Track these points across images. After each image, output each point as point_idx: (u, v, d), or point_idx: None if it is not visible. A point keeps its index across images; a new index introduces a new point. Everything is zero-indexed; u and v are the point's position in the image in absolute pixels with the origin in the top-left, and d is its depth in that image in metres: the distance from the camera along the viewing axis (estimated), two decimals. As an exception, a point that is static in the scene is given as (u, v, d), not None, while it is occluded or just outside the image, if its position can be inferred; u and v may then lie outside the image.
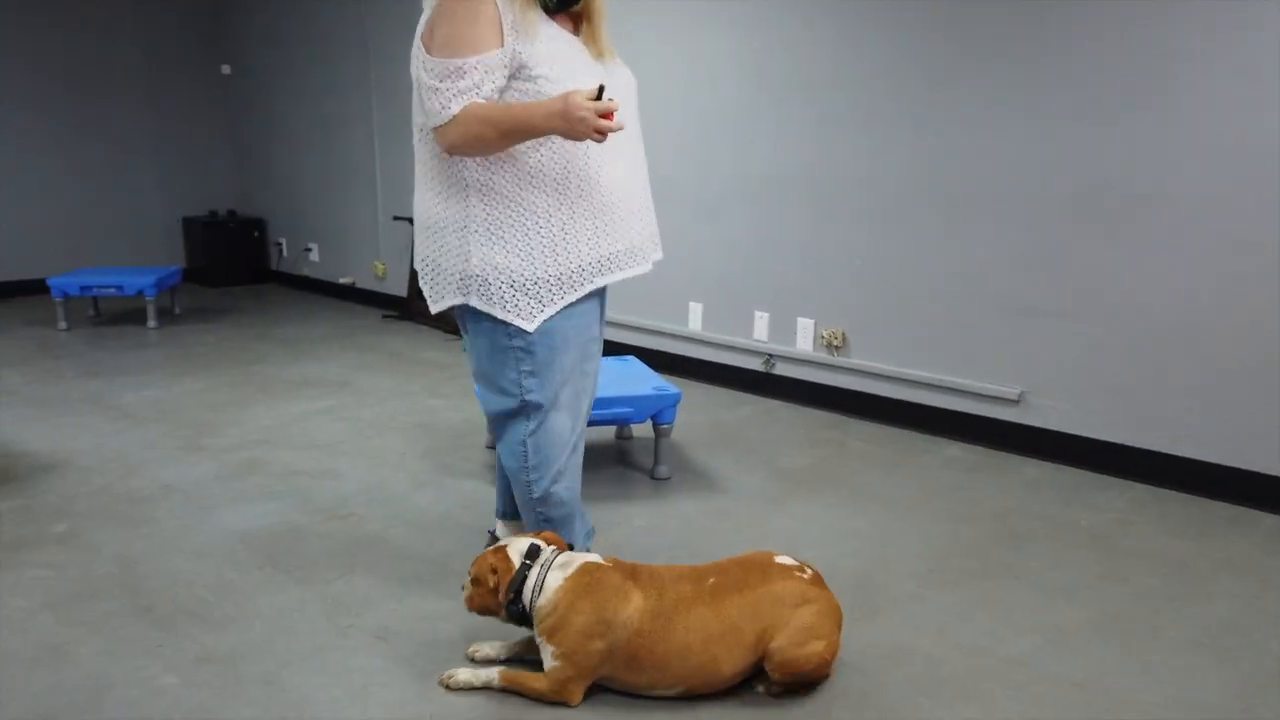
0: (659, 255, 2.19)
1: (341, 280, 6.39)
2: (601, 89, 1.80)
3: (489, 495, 2.91)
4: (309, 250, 6.67)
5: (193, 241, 7.04)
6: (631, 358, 3.46)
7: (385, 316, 5.83)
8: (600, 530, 2.65)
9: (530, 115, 1.85)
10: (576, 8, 2.00)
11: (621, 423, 3.02)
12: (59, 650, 2.00)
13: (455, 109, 1.86)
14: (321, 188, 6.48)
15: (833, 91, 3.66)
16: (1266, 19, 2.67)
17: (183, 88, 6.92)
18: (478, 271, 1.98)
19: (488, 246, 1.97)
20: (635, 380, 3.14)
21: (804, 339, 3.92)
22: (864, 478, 3.10)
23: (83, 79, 6.52)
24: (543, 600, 1.83)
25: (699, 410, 3.85)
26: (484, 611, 1.91)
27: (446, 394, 4.08)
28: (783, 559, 1.91)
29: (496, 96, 1.90)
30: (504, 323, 2.00)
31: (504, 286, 1.97)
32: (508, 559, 1.88)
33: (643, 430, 3.55)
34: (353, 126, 6.06)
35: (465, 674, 1.88)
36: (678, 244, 4.33)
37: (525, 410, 2.07)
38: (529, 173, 1.97)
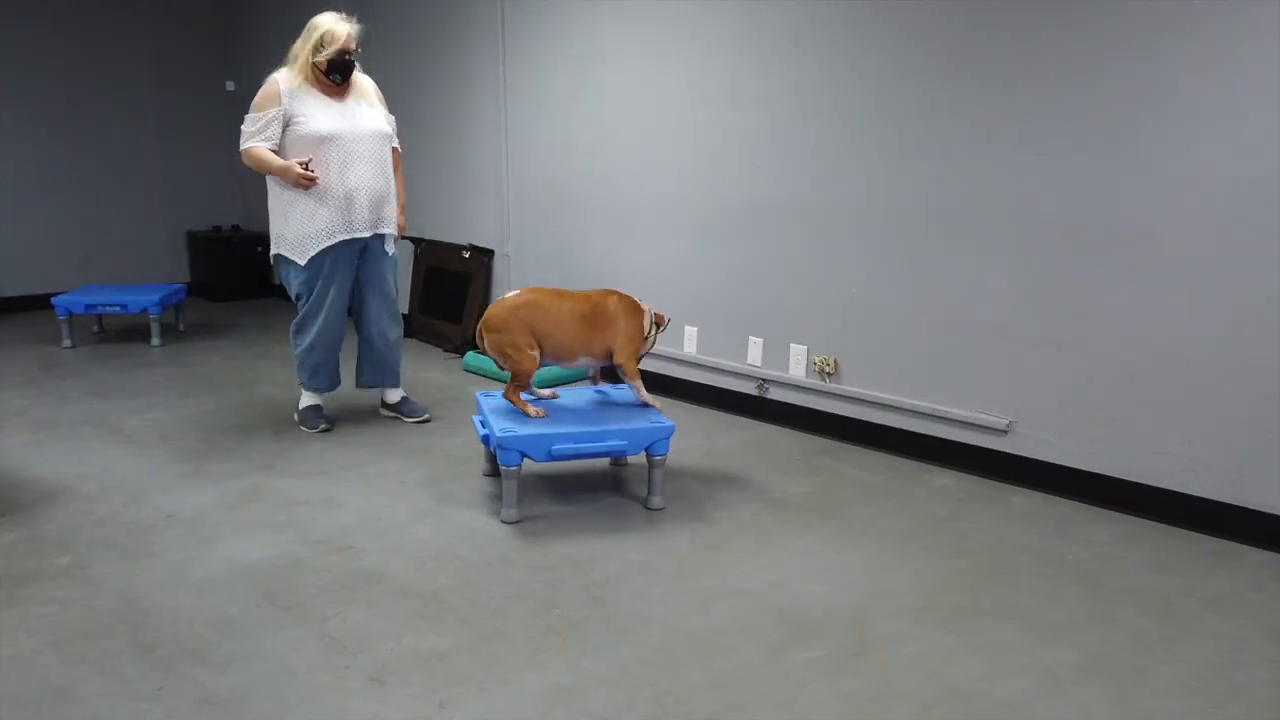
0: (383, 230, 3.80)
1: (343, 296, 6.43)
2: (309, 161, 3.56)
3: (488, 525, 2.95)
4: (311, 265, 6.70)
5: (196, 256, 7.10)
6: (626, 387, 3.49)
7: (386, 334, 5.87)
8: (595, 563, 2.69)
9: (271, 165, 3.57)
10: (343, 83, 3.67)
11: (616, 454, 3.06)
12: (62, 692, 2.04)
13: (247, 145, 3.60)
14: (323, 204, 6.51)
15: (832, 120, 3.70)
16: (1256, 55, 2.70)
17: (188, 104, 6.97)
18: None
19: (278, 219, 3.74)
20: (630, 412, 3.18)
21: (797, 365, 3.95)
22: (857, 508, 3.14)
23: (89, 95, 6.58)
24: None
25: (694, 434, 3.89)
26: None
27: (446, 416, 4.12)
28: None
29: (279, 131, 3.59)
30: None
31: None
32: None
33: (638, 456, 3.58)
34: (355, 144, 6.10)
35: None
36: (674, 267, 4.37)
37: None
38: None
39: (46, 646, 2.22)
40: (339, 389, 4.06)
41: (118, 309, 5.36)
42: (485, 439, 3.13)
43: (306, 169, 3.53)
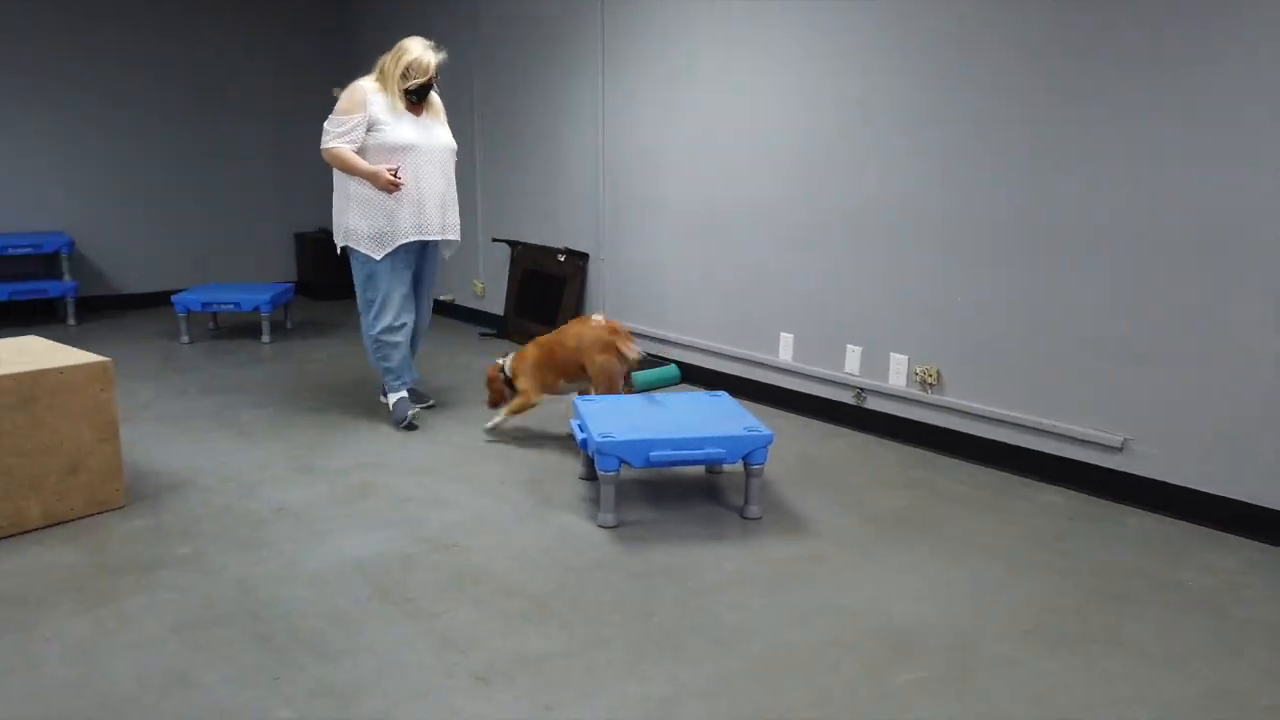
0: (446, 237, 4.07)
1: (442, 297, 6.59)
2: (397, 169, 3.83)
3: (586, 529, 2.98)
4: (411, 266, 6.89)
5: (303, 256, 7.37)
6: (723, 394, 3.49)
7: (483, 334, 5.99)
8: (691, 571, 2.69)
9: (360, 167, 3.83)
10: (420, 101, 3.95)
11: (713, 463, 3.05)
12: (186, 677, 2.15)
13: (330, 144, 3.86)
14: (424, 206, 6.69)
15: (938, 127, 3.62)
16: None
17: (297, 109, 7.24)
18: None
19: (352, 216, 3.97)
20: (727, 419, 3.17)
21: (897, 375, 3.88)
22: (960, 524, 3.06)
23: (207, 103, 6.90)
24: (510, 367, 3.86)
25: (790, 443, 3.85)
26: (498, 400, 3.93)
27: (541, 420, 4.18)
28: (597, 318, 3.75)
29: (361, 136, 3.83)
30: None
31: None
32: (496, 366, 3.93)
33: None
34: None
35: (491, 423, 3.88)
36: (770, 273, 4.34)
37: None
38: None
39: (169, 632, 2.34)
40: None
41: (231, 307, 5.61)
42: (583, 444, 3.17)
43: (395, 175, 3.81)
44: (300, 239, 7.37)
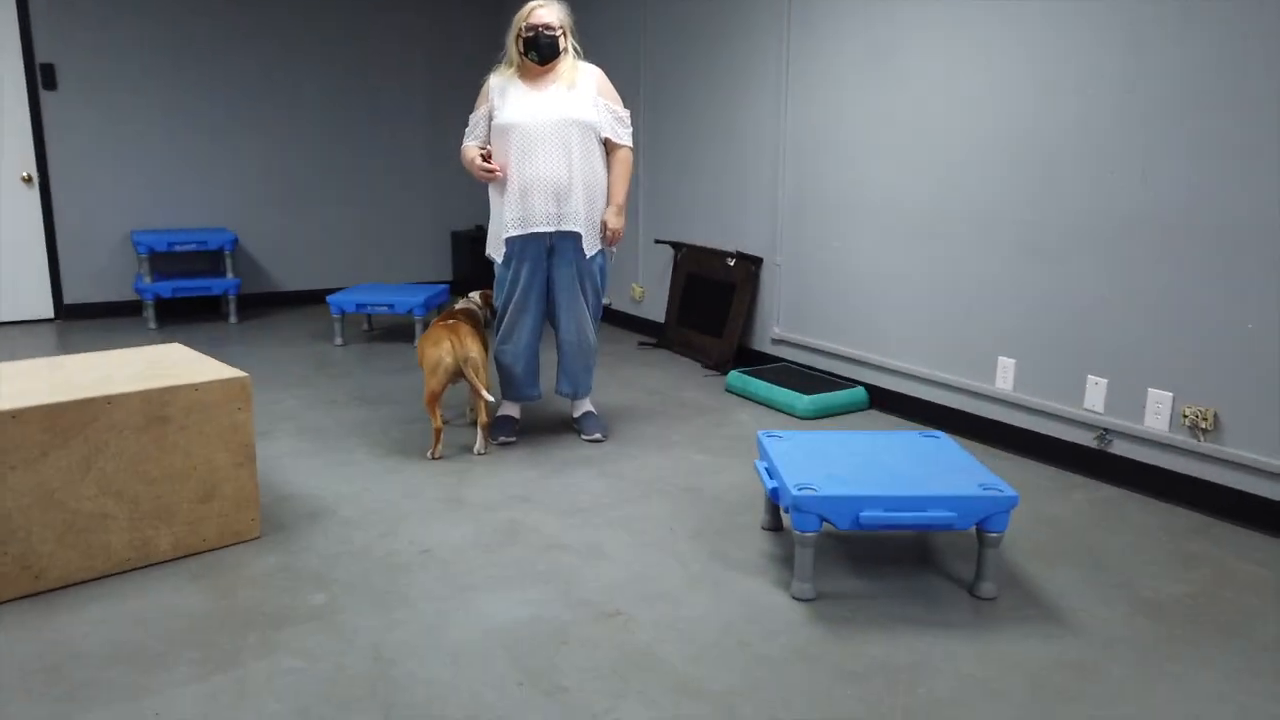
0: (565, 227, 3.40)
1: (598, 301, 6.20)
2: (487, 154, 3.41)
3: (776, 602, 2.45)
4: (567, 268, 6.54)
5: (459, 254, 7.16)
6: (941, 435, 2.87)
7: (642, 344, 5.54)
8: (920, 673, 2.11)
9: (465, 160, 3.45)
10: (544, 65, 3.42)
11: (940, 529, 2.45)
12: (305, 786, 1.75)
13: (465, 142, 3.51)
14: (582, 205, 6.31)
15: (1219, 113, 2.88)
16: None
17: (452, 107, 7.03)
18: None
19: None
20: (955, 472, 2.55)
21: (1156, 416, 3.14)
22: (1270, 624, 2.35)
23: (364, 103, 6.77)
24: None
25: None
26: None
27: (711, 449, 3.67)
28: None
29: (486, 126, 3.45)
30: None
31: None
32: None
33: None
34: (617, 143, 5.82)
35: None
36: (987, 286, 3.66)
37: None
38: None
39: (293, 715, 1.96)
40: (537, 401, 3.85)
41: (385, 309, 5.38)
42: (774, 493, 2.63)
43: (487, 161, 3.39)
44: (456, 237, 7.16)
